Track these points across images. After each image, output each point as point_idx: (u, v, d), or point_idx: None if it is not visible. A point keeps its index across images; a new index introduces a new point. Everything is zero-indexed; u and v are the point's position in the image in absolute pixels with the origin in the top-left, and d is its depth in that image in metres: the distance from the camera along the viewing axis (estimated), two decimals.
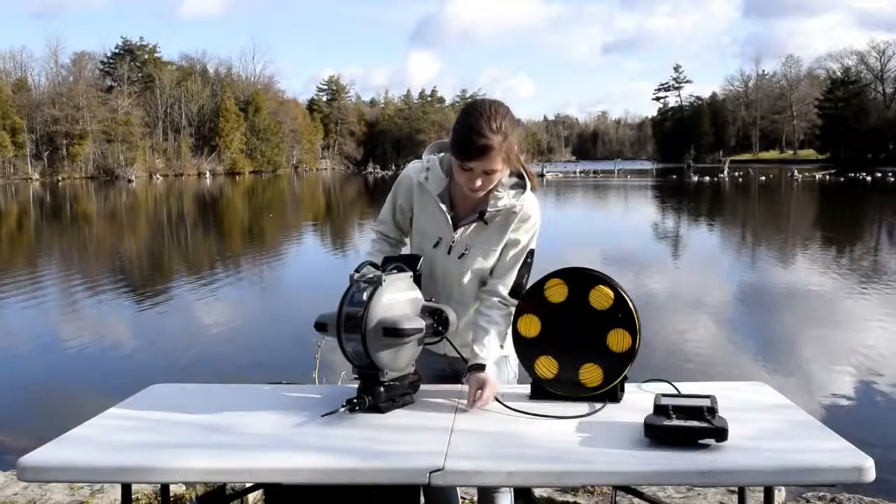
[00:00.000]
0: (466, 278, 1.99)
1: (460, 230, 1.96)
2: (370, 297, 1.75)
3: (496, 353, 1.93)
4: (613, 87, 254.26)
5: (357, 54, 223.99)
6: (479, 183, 1.84)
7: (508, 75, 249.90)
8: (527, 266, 1.98)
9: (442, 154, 2.00)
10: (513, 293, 1.97)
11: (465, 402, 1.86)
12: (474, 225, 1.95)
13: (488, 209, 1.92)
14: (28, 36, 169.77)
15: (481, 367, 1.87)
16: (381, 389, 1.79)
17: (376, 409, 1.79)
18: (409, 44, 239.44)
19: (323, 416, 1.76)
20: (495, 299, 1.96)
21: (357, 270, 1.82)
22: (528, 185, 1.95)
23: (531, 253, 1.98)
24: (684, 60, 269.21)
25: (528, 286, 1.95)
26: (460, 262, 1.97)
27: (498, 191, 1.92)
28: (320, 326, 1.80)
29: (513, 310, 1.96)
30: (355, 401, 1.77)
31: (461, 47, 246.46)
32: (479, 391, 1.81)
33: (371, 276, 1.79)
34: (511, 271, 1.97)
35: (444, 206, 1.96)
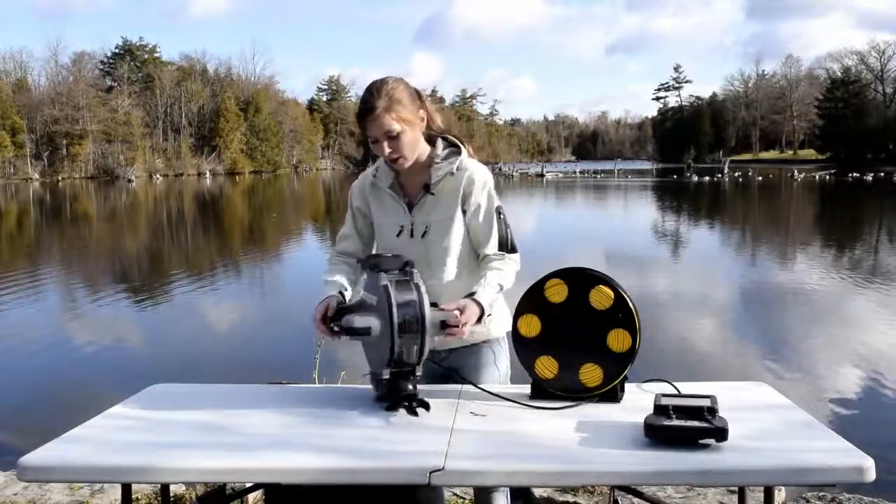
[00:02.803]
0: (435, 256, 2.02)
1: (415, 210, 2.02)
2: (420, 294, 1.79)
3: (492, 290, 1.96)
4: (616, 88, 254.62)
5: (361, 55, 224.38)
6: (387, 148, 1.93)
7: (511, 75, 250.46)
8: (502, 221, 2.03)
9: None
10: (501, 248, 2.02)
11: (465, 401, 1.87)
12: (426, 201, 2.01)
13: (431, 181, 1.99)
14: (35, 36, 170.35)
15: (471, 294, 1.93)
16: (411, 386, 1.83)
17: (424, 405, 1.81)
18: (414, 44, 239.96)
19: (386, 409, 1.81)
20: (489, 255, 2.02)
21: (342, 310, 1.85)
22: (464, 151, 2.03)
23: (500, 209, 2.03)
24: (688, 62, 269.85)
25: (529, 286, 1.96)
26: (424, 242, 2.02)
27: (436, 162, 2.01)
28: (360, 331, 1.77)
29: (509, 259, 2.01)
30: (413, 404, 1.80)
31: (465, 48, 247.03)
32: (459, 312, 1.85)
33: (407, 271, 1.83)
34: (490, 232, 2.02)
35: (395, 195, 2.04)
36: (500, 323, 2.07)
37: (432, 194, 2.00)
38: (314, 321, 1.89)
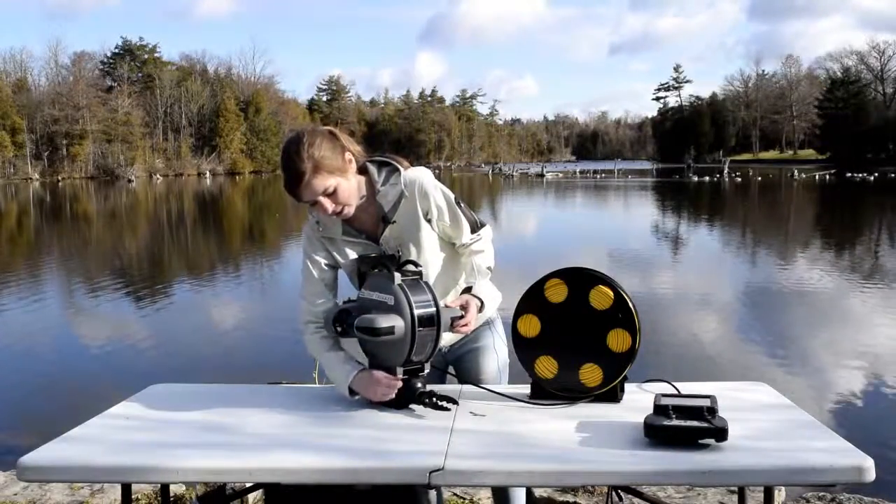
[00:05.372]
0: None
1: (382, 241, 1.96)
2: (432, 293, 1.81)
3: (484, 278, 2.03)
4: (618, 88, 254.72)
5: (366, 55, 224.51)
6: (330, 206, 1.84)
7: (514, 76, 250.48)
8: (463, 208, 2.01)
9: None
10: (473, 231, 2.03)
11: (465, 401, 1.87)
12: (391, 229, 1.95)
13: (386, 211, 1.93)
14: (35, 36, 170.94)
15: (468, 290, 1.98)
16: (419, 383, 1.83)
17: (450, 399, 1.81)
18: (418, 44, 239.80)
19: (407, 407, 1.82)
20: (466, 247, 2.03)
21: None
22: (400, 167, 1.95)
23: (456, 199, 2.00)
24: (690, 62, 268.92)
25: (528, 287, 1.96)
26: (402, 259, 2.00)
27: (379, 190, 1.93)
28: (382, 331, 1.74)
29: (485, 237, 2.04)
30: (434, 400, 1.79)
31: (469, 48, 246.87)
32: (464, 311, 1.89)
33: (412, 271, 1.85)
34: (460, 225, 2.00)
35: (353, 238, 1.97)
36: (490, 302, 2.07)
37: (394, 222, 1.94)
38: (388, 390, 1.82)
